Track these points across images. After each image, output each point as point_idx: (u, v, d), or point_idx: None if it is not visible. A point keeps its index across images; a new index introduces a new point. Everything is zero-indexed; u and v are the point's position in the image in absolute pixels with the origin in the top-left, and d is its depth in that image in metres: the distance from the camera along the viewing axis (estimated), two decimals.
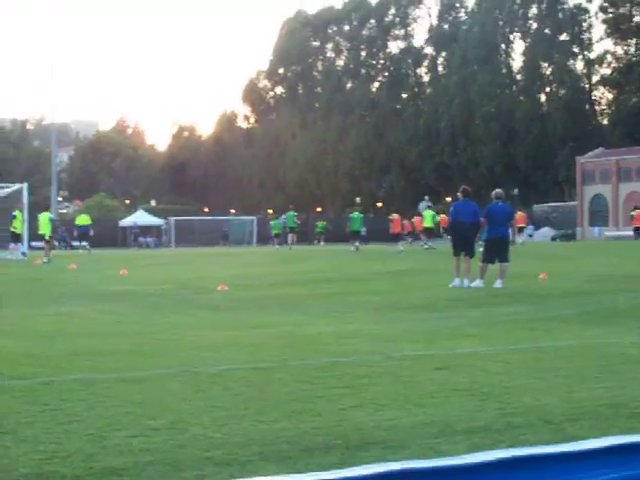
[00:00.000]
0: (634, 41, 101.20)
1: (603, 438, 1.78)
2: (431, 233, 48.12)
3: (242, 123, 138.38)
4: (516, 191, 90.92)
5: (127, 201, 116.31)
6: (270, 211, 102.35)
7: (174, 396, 7.53)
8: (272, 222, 66.08)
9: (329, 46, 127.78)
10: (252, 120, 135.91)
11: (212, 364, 9.30)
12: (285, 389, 7.80)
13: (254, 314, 15.22)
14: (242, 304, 17.23)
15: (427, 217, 47.58)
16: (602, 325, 12.79)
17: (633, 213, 50.68)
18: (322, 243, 65.44)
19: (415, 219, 52.03)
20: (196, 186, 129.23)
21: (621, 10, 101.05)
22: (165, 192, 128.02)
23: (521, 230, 48.70)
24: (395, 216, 46.56)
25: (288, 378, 8.34)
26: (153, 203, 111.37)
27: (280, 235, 60.70)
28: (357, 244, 46.19)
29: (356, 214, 48.93)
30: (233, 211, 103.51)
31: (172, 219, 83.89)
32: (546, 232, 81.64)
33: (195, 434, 6.12)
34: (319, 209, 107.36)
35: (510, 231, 21.92)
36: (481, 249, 22.02)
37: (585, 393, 7.51)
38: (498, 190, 21.92)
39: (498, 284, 19.94)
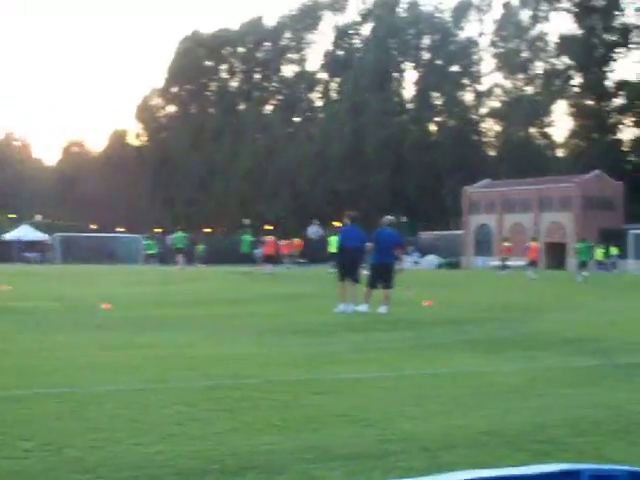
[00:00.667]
0: (522, 75, 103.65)
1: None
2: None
3: (133, 140, 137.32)
4: (404, 218, 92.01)
5: (12, 215, 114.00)
6: (159, 230, 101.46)
7: (50, 417, 7.37)
8: (145, 242, 66.05)
9: (223, 67, 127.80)
10: (144, 138, 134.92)
11: (91, 384, 9.14)
12: (163, 411, 7.70)
13: (137, 334, 15.01)
14: (125, 324, 16.99)
15: (332, 242, 47.95)
16: (482, 353, 12.96)
17: (529, 244, 51.57)
18: (201, 265, 65.64)
19: (294, 241, 53.04)
20: (84, 202, 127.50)
21: (510, 45, 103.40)
22: (52, 207, 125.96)
23: (533, 264, 47.98)
24: (269, 238, 47.57)
25: (167, 400, 8.24)
26: (38, 218, 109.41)
27: (155, 255, 60.84)
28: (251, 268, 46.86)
29: (246, 236, 49.29)
30: (121, 229, 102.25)
31: (58, 235, 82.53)
32: (432, 259, 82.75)
33: (68, 457, 5.99)
34: (208, 230, 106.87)
35: (396, 258, 22.07)
36: (365, 272, 22.16)
37: (462, 421, 7.58)
38: (388, 216, 22.13)
39: (382, 310, 20.07)
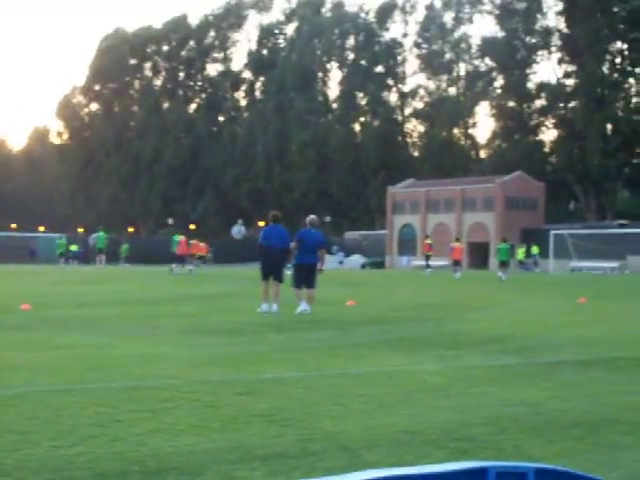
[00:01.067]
0: (445, 77, 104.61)
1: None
2: None
3: (55, 139, 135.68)
4: (329, 218, 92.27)
5: None
6: (81, 230, 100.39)
7: None
8: (58, 240, 65.85)
9: (147, 65, 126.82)
10: (65, 136, 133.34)
11: (8, 386, 8.99)
12: (83, 413, 7.60)
13: (57, 335, 14.82)
14: (45, 324, 16.77)
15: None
16: (405, 352, 13.04)
17: (452, 245, 51.99)
18: (126, 265, 65.71)
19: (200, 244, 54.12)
20: (4, 201, 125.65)
21: (434, 47, 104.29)
22: None
23: (457, 264, 48.02)
24: (182, 237, 48.12)
25: (87, 401, 8.14)
26: None
27: (64, 254, 61.19)
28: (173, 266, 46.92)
29: (176, 236, 49.62)
30: (42, 228, 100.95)
31: None
32: (356, 259, 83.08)
33: None
34: (131, 229, 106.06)
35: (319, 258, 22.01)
36: (289, 272, 22.11)
37: (384, 420, 7.61)
38: (313, 216, 21.83)
39: (305, 307, 20.02)
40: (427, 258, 52.32)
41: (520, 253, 68.09)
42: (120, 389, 8.93)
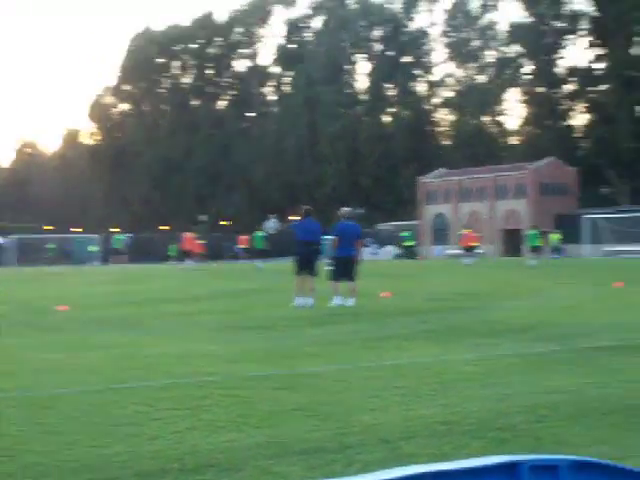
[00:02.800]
0: (473, 65, 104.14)
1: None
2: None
3: (87, 140, 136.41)
4: (361, 210, 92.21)
5: None
6: (116, 230, 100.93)
7: (6, 422, 7.30)
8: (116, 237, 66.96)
9: (175, 64, 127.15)
10: (97, 137, 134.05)
11: (48, 387, 9.06)
12: (121, 412, 7.65)
13: (94, 334, 14.92)
14: (83, 324, 16.89)
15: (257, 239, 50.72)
16: (441, 343, 13.01)
17: (462, 232, 51.86)
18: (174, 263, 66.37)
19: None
20: (39, 203, 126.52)
21: (461, 35, 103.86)
22: (6, 209, 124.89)
23: (471, 249, 48.74)
24: (187, 234, 49.70)
25: (125, 400, 8.18)
26: None
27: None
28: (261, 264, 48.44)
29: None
30: (77, 229, 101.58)
31: (14, 237, 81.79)
32: (390, 250, 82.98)
33: (25, 462, 5.94)
34: (166, 227, 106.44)
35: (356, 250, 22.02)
36: (327, 268, 22.11)
37: (421, 411, 7.60)
38: (347, 209, 21.89)
39: (350, 302, 20.04)
40: (470, 248, 51.08)
41: (553, 239, 67.78)
42: (157, 387, 8.97)
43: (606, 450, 5.96)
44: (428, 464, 1.65)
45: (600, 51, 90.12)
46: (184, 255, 48.99)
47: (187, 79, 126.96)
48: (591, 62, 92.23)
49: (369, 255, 62.90)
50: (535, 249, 46.12)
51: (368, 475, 1.65)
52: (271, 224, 55.34)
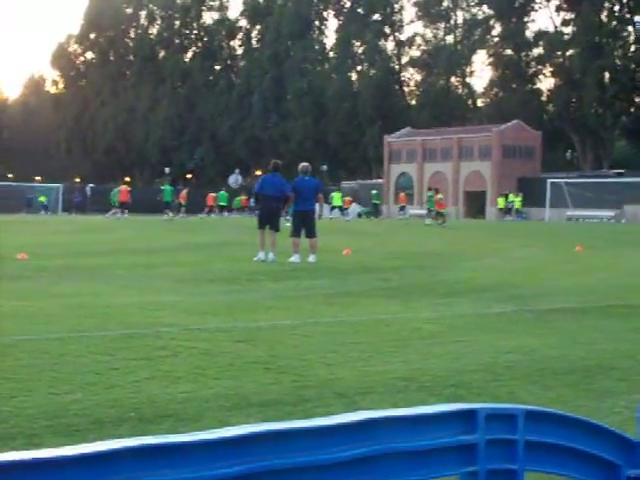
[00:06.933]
0: (443, 25, 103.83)
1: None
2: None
3: (50, 88, 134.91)
4: (325, 167, 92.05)
5: None
6: (77, 180, 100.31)
7: None
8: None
9: (143, 13, 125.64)
10: (61, 85, 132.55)
11: (5, 334, 9.01)
12: (80, 360, 7.63)
13: (54, 284, 14.84)
14: (42, 273, 16.77)
15: (167, 192, 54.28)
16: (401, 300, 13.07)
17: (440, 196, 52.25)
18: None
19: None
20: (0, 151, 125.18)
21: None
22: None
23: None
24: (123, 187, 52.73)
25: (84, 349, 8.17)
26: None
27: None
28: (171, 214, 51.97)
29: (167, 187, 52.17)
30: (38, 178, 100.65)
31: None
32: (354, 208, 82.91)
33: None
34: (128, 179, 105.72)
35: (317, 205, 22.04)
36: (288, 224, 22.08)
37: (379, 367, 7.65)
38: (304, 164, 21.79)
39: (311, 259, 20.03)
40: (440, 215, 51.52)
41: (501, 202, 68.80)
42: (117, 337, 8.96)
43: (561, 409, 6.02)
44: (385, 409, 1.66)
45: (569, 15, 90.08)
46: (122, 205, 51.86)
47: (154, 29, 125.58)
48: (559, 26, 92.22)
49: (336, 213, 63.03)
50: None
51: (324, 419, 1.65)
52: (235, 178, 55.28)
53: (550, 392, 6.84)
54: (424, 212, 53.69)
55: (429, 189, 56.55)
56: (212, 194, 64.33)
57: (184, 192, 62.07)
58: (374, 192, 70.60)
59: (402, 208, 61.99)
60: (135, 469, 1.41)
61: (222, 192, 64.23)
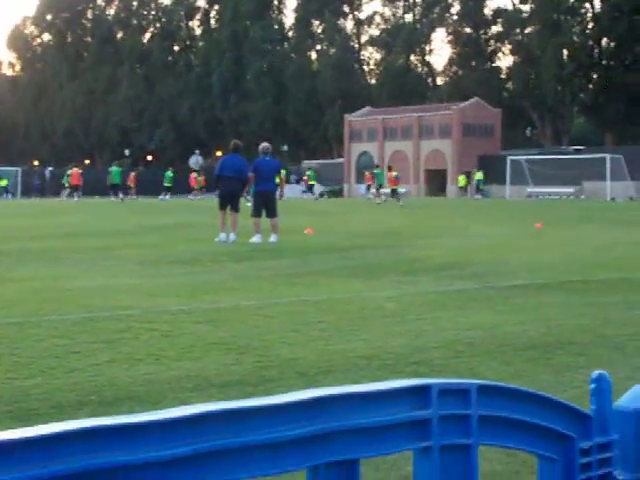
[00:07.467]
0: (402, 3, 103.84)
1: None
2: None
3: (7, 70, 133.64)
4: (285, 147, 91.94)
5: None
6: (36, 163, 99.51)
7: None
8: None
9: None
10: (18, 67, 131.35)
11: None
12: (40, 345, 7.59)
13: (11, 267, 14.73)
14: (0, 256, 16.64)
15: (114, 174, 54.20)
16: (362, 279, 13.10)
17: (394, 174, 52.49)
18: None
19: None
20: None
21: None
22: None
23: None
24: (74, 170, 53.42)
25: (44, 333, 8.12)
26: None
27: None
28: (122, 196, 53.00)
29: (115, 168, 54.44)
30: None
31: None
32: (315, 188, 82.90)
33: None
34: (87, 161, 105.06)
35: (278, 186, 22.03)
36: (249, 204, 22.05)
37: (340, 346, 7.67)
38: (264, 144, 21.79)
39: (273, 239, 20.02)
40: (394, 192, 51.94)
41: (461, 180, 69.25)
42: (77, 321, 8.90)
43: (521, 384, 6.07)
44: (343, 386, 1.66)
45: None
46: (74, 188, 52.77)
47: (112, 10, 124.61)
48: (517, 4, 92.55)
49: (298, 193, 63.16)
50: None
51: (276, 397, 1.65)
52: (195, 159, 55.24)
53: (510, 367, 6.90)
54: (387, 191, 53.70)
55: (381, 167, 57.39)
56: (170, 173, 62.11)
57: (132, 175, 63.18)
58: (309, 172, 69.58)
59: (368, 187, 62.38)
60: (86, 451, 1.40)
61: (168, 172, 61.96)
